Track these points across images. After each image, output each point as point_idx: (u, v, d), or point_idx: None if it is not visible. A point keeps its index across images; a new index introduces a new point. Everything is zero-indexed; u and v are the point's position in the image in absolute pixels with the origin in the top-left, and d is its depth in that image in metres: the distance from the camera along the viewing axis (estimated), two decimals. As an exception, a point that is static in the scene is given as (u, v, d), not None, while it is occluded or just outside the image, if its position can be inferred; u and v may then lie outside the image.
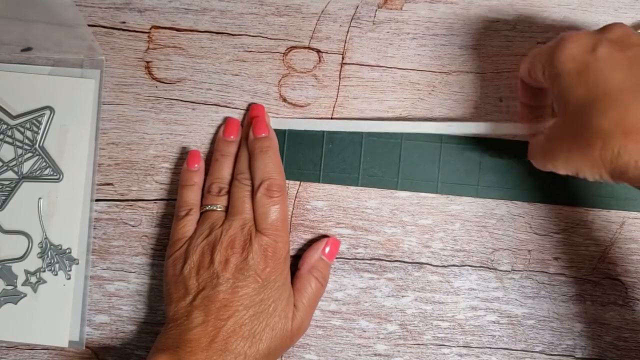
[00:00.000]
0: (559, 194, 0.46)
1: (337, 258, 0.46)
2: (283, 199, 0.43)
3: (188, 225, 0.44)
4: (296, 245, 0.47)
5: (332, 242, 0.45)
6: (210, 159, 0.47)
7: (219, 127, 0.47)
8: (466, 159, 0.46)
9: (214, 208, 0.44)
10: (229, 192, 0.44)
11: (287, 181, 0.46)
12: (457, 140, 0.46)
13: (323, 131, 0.46)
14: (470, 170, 0.46)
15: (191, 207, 0.44)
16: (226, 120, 0.46)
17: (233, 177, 0.45)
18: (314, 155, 0.46)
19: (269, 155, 0.43)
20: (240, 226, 0.42)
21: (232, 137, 0.45)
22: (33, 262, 0.47)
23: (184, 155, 0.47)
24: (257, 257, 0.41)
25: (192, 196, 0.45)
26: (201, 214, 0.44)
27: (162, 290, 0.47)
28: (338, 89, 0.47)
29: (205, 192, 0.45)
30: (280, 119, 0.47)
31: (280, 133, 0.46)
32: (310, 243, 0.46)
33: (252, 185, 0.43)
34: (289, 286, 0.43)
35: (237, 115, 0.47)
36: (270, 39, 0.47)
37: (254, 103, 0.46)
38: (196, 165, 0.45)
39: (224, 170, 0.45)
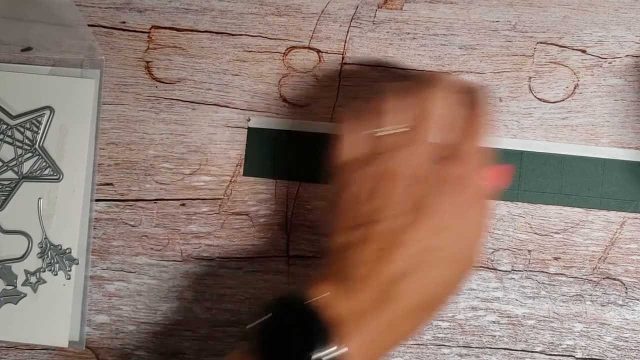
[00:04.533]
0: (558, 195, 0.46)
1: (337, 258, 0.46)
2: (482, 142, 0.37)
3: (359, 150, 0.37)
4: (296, 245, 0.47)
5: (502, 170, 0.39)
6: (211, 159, 0.47)
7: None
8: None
9: (394, 131, 0.37)
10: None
11: (287, 181, 0.46)
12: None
13: (323, 132, 0.46)
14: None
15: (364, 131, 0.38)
16: None
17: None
18: (314, 156, 0.46)
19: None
20: (427, 155, 0.36)
21: None
22: (33, 262, 0.47)
23: (184, 155, 0.47)
24: (444, 192, 0.36)
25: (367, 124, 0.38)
26: (378, 138, 0.37)
27: (161, 290, 0.47)
28: (338, 89, 0.47)
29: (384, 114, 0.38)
30: (280, 120, 0.47)
31: (281, 133, 0.46)
32: (310, 243, 0.46)
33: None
34: (474, 231, 0.37)
35: (237, 114, 0.47)
36: (270, 39, 0.47)
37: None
38: None
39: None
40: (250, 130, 0.47)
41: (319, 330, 0.34)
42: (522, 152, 0.45)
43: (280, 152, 0.46)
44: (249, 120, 0.47)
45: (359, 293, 0.35)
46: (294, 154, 0.46)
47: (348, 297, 0.35)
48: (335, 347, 0.33)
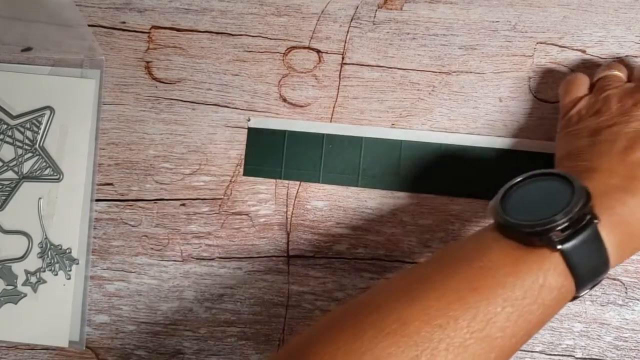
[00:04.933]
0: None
1: (336, 258, 0.46)
2: None
3: (585, 87, 0.43)
4: (296, 245, 0.47)
5: None
6: (211, 159, 0.47)
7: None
8: (466, 160, 0.46)
9: (614, 72, 0.42)
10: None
11: (287, 181, 0.47)
12: (457, 142, 0.46)
13: (323, 132, 0.46)
14: (470, 171, 0.46)
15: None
16: None
17: None
18: (314, 155, 0.46)
19: None
20: None
21: None
22: (33, 262, 0.47)
23: (184, 155, 0.47)
24: None
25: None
26: (607, 77, 0.42)
27: (161, 290, 0.47)
28: (338, 89, 0.47)
29: (601, 68, 0.43)
30: (280, 120, 0.47)
31: (280, 133, 0.46)
32: (310, 243, 0.46)
33: None
34: None
35: (237, 114, 0.47)
36: (270, 39, 0.47)
37: None
38: None
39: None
40: (251, 130, 0.47)
41: (573, 191, 0.33)
42: (524, 156, 0.45)
43: (280, 152, 0.46)
44: (249, 120, 0.47)
45: (606, 178, 0.35)
46: (294, 154, 0.46)
47: (595, 183, 0.35)
48: (587, 213, 0.32)
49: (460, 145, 0.46)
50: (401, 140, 0.46)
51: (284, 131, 0.46)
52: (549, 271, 0.32)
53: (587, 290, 0.34)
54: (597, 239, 0.33)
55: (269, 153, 0.47)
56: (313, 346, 0.31)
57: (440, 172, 0.46)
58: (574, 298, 0.34)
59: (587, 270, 0.33)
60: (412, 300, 0.32)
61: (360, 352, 0.30)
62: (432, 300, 0.31)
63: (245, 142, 0.47)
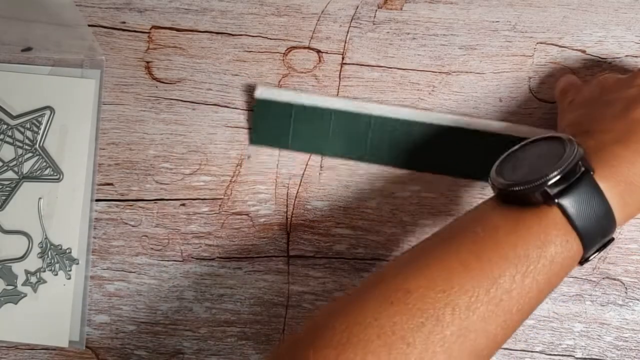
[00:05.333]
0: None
1: (336, 258, 0.46)
2: None
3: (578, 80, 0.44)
4: (296, 245, 0.47)
5: None
6: (211, 159, 0.47)
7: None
8: (474, 144, 0.45)
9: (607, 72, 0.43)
10: None
11: (287, 181, 0.47)
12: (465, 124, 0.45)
13: (331, 108, 0.45)
14: (476, 155, 0.45)
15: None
16: None
17: None
18: (322, 129, 0.45)
19: None
20: None
21: None
22: (33, 262, 0.47)
23: (184, 155, 0.47)
24: None
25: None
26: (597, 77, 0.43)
27: (161, 290, 0.47)
28: (338, 89, 0.47)
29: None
30: (286, 92, 0.46)
31: (287, 106, 0.45)
32: (311, 243, 0.46)
33: None
34: None
35: (237, 114, 0.47)
36: (270, 39, 0.47)
37: None
38: None
39: None
40: (259, 102, 0.46)
41: (567, 148, 0.33)
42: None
43: (287, 125, 0.45)
44: (256, 89, 0.45)
45: (600, 135, 0.35)
46: (301, 127, 0.45)
47: (590, 141, 0.35)
48: (581, 165, 0.32)
49: (467, 127, 0.45)
50: (408, 118, 0.45)
51: (291, 105, 0.45)
52: (548, 227, 0.32)
53: (597, 253, 0.34)
54: (595, 190, 0.32)
55: (276, 124, 0.46)
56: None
57: (451, 154, 0.45)
58: (586, 260, 0.34)
59: (590, 224, 0.32)
60: (416, 270, 0.32)
61: (365, 323, 0.30)
62: (436, 270, 0.32)
63: (245, 142, 0.47)
